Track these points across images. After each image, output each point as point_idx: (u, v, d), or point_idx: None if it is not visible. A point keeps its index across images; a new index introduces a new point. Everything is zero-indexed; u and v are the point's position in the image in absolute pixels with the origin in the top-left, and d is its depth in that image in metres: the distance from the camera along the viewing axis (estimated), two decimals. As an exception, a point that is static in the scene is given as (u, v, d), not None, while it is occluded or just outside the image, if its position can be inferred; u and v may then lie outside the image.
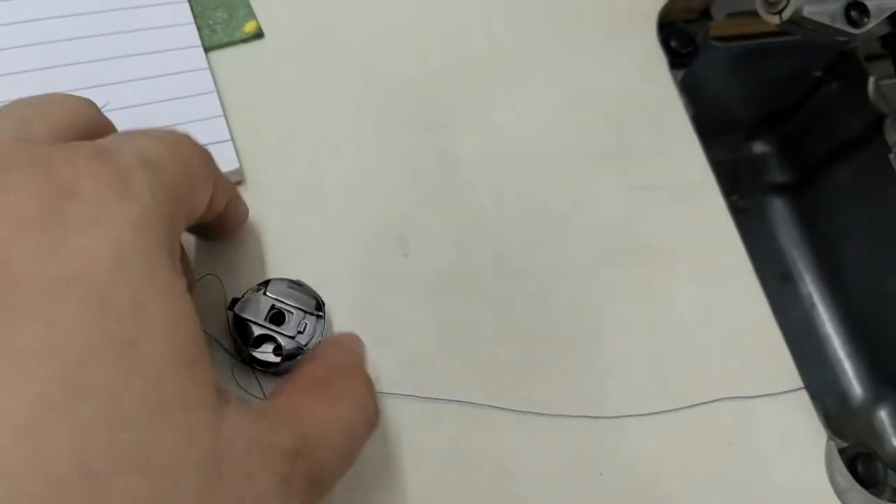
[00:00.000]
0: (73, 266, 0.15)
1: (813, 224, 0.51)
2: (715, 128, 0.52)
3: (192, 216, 0.22)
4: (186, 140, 0.21)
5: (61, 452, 0.14)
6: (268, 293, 0.28)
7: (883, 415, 0.46)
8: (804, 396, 0.33)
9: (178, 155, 0.20)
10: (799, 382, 0.34)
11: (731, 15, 0.43)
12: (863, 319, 0.48)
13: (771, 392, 0.33)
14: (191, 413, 0.16)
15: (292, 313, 0.28)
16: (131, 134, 0.20)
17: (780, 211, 0.52)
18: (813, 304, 0.49)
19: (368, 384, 0.24)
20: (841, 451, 0.34)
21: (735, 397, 0.33)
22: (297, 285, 0.28)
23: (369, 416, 0.23)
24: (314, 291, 0.28)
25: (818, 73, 0.48)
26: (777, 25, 0.37)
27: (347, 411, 0.23)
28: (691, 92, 0.42)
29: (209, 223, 0.25)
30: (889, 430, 0.46)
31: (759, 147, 0.52)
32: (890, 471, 0.35)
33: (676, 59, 0.40)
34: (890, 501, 0.33)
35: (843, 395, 0.48)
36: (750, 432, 0.32)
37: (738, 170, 0.52)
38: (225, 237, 0.29)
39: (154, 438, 0.15)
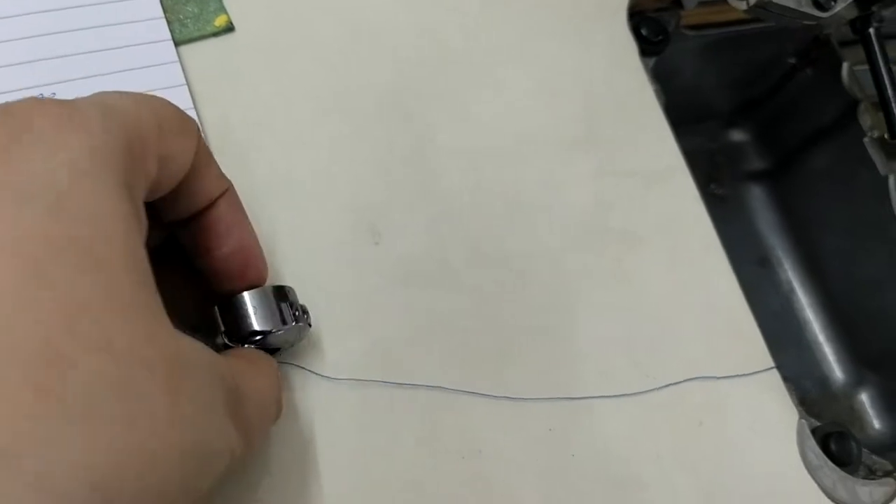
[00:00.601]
0: (32, 180, 0.17)
1: (791, 210, 0.51)
2: (692, 116, 0.52)
3: (169, 171, 0.22)
4: (161, 99, 0.22)
5: (28, 335, 0.15)
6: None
7: (864, 397, 0.47)
8: (775, 376, 0.34)
9: (147, 105, 0.21)
10: (770, 362, 0.34)
11: (702, 3, 0.43)
12: (841, 303, 0.49)
13: (742, 373, 0.33)
14: (148, 316, 0.17)
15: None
16: (102, 92, 0.21)
17: (758, 198, 0.52)
18: (792, 290, 0.50)
19: (279, 376, 0.26)
20: (814, 430, 0.34)
21: (706, 377, 0.33)
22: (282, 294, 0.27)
23: (279, 401, 0.25)
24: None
25: (792, 60, 0.48)
26: (744, 11, 0.37)
27: (268, 387, 0.24)
28: (665, 80, 0.42)
29: (215, 267, 0.25)
30: (870, 412, 0.46)
31: (736, 135, 0.53)
32: (864, 449, 0.35)
33: (647, 47, 0.40)
34: (864, 479, 0.33)
35: (823, 379, 0.48)
36: (721, 413, 0.33)
37: (717, 158, 0.52)
38: (233, 283, 0.26)
39: (115, 329, 0.16)
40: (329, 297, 0.31)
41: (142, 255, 0.18)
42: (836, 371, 0.48)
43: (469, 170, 0.35)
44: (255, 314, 0.25)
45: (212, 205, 0.25)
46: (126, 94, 0.21)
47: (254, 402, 0.22)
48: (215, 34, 0.34)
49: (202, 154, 0.24)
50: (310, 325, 0.28)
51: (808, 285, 0.50)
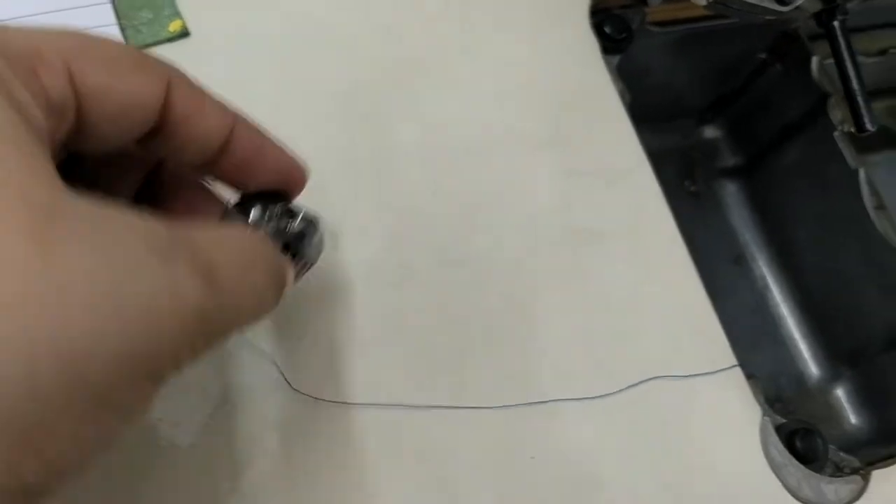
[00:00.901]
0: None
1: (765, 206, 0.51)
2: (665, 113, 0.52)
3: (110, 107, 0.20)
4: (103, 38, 0.20)
5: None
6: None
7: (840, 393, 0.46)
8: (738, 374, 0.33)
9: (63, 35, 0.19)
10: (733, 360, 0.34)
11: (667, 0, 0.43)
12: (816, 299, 0.48)
13: (704, 371, 0.33)
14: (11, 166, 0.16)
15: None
16: None
17: (732, 194, 0.52)
18: (767, 286, 0.49)
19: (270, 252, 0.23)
20: (779, 428, 0.34)
21: (668, 377, 0.33)
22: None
23: (270, 273, 0.22)
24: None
25: (762, 55, 0.48)
26: (705, 7, 0.37)
27: (249, 250, 0.21)
28: (635, 78, 0.42)
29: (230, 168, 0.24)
30: (846, 407, 0.46)
31: (709, 131, 0.52)
32: (832, 446, 0.35)
33: (610, 45, 0.40)
34: (830, 476, 0.33)
35: (799, 376, 0.48)
36: (684, 412, 0.32)
37: (690, 155, 0.52)
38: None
39: None
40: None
41: (15, 121, 0.17)
42: (812, 367, 0.48)
43: (429, 170, 0.35)
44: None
45: (229, 141, 0.24)
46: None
47: (227, 261, 0.19)
48: (170, 39, 0.34)
49: (188, 95, 0.22)
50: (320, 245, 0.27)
51: (783, 281, 0.49)
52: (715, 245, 0.53)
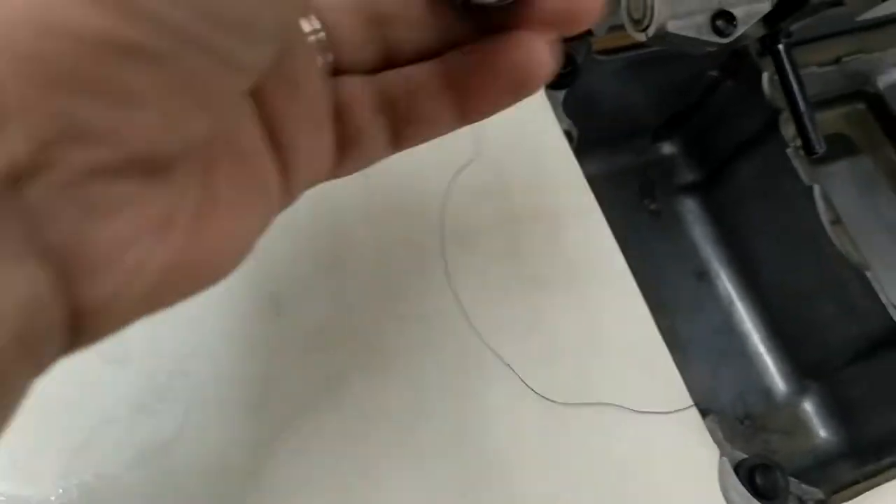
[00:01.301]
0: None
1: (724, 221, 0.51)
2: (621, 134, 0.51)
3: None
4: None
5: None
6: None
7: (807, 406, 0.47)
8: (694, 414, 0.34)
9: None
10: (688, 401, 0.34)
11: (613, 28, 0.43)
12: (780, 314, 0.49)
13: (661, 410, 0.33)
14: None
15: None
16: None
17: (692, 211, 0.52)
18: (731, 302, 0.50)
19: None
20: (738, 466, 0.34)
21: (624, 408, 0.33)
22: None
23: None
24: None
25: (714, 73, 0.48)
26: (645, 41, 0.37)
27: None
28: (586, 104, 0.42)
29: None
30: (814, 420, 0.46)
31: (666, 149, 0.52)
32: (792, 479, 0.35)
33: (555, 80, 0.40)
34: (790, 511, 0.33)
35: (766, 391, 0.48)
36: (642, 453, 0.32)
37: (648, 173, 0.52)
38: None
39: None
40: (231, 375, 0.30)
41: None
42: (779, 382, 0.48)
43: (372, 226, 0.35)
44: None
45: None
46: None
47: None
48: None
49: None
50: None
51: (747, 297, 0.49)
52: (677, 262, 0.53)
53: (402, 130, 0.23)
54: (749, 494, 0.33)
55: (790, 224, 0.46)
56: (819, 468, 0.44)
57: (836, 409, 0.47)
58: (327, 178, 0.23)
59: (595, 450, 0.32)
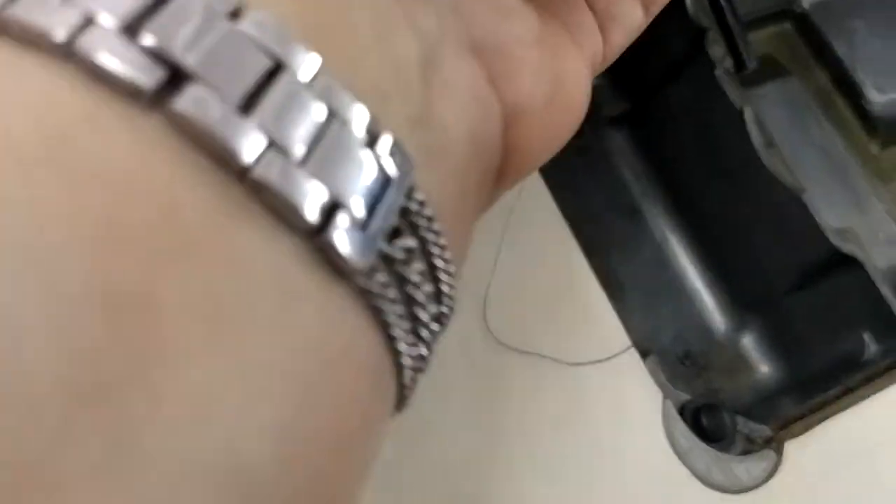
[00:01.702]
0: None
1: (655, 154, 0.49)
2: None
3: None
4: None
5: None
6: None
7: (748, 341, 0.45)
8: (634, 356, 0.31)
9: None
10: (627, 343, 0.31)
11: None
12: (716, 247, 0.47)
13: (598, 358, 0.30)
14: None
15: None
16: None
17: (620, 145, 0.49)
18: (665, 238, 0.47)
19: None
20: (682, 408, 0.31)
21: (559, 361, 0.30)
22: None
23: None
24: None
25: (635, -7, 0.45)
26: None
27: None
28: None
29: None
30: (755, 355, 0.44)
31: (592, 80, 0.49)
32: (739, 417, 0.33)
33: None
34: (740, 455, 0.31)
35: (705, 328, 0.46)
36: (581, 403, 0.30)
37: (572, 107, 0.49)
38: None
39: None
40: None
41: None
42: (718, 318, 0.46)
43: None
44: None
45: None
46: None
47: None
48: None
49: None
50: None
51: (681, 232, 0.47)
52: (608, 200, 0.51)
53: None
54: (696, 437, 0.30)
55: (722, 151, 0.44)
56: (765, 404, 0.42)
57: (778, 342, 0.45)
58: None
59: (529, 404, 0.29)
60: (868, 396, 0.35)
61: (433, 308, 0.13)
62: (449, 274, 0.13)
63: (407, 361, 0.13)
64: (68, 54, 0.10)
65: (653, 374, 0.31)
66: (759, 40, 0.51)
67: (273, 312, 0.11)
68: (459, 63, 0.15)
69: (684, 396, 0.31)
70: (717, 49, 0.43)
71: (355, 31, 0.13)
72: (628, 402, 0.30)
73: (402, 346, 0.13)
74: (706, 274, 0.47)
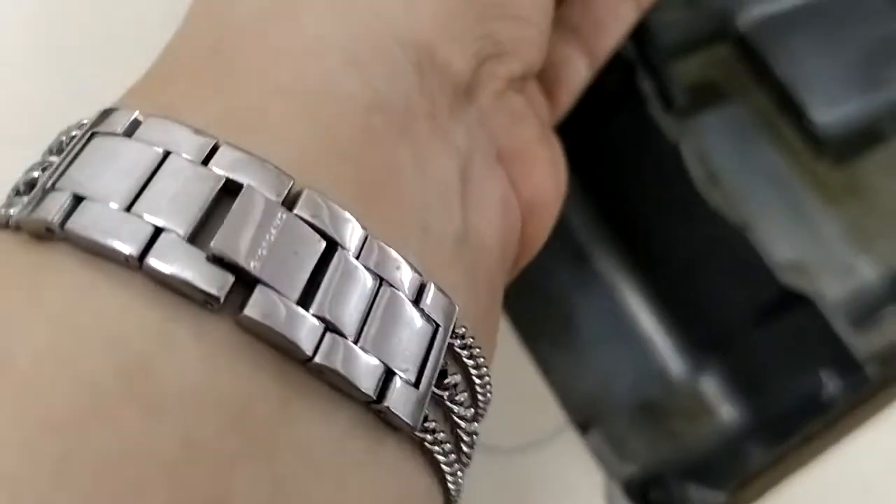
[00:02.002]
0: None
1: (598, 194, 0.47)
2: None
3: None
4: None
5: None
6: None
7: (706, 384, 0.43)
8: (572, 435, 0.29)
9: None
10: (561, 420, 0.29)
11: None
12: (668, 289, 0.45)
13: (534, 439, 0.29)
14: None
15: None
16: None
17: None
18: (614, 283, 0.45)
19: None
20: (628, 484, 0.29)
21: (492, 446, 0.28)
22: None
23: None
24: None
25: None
26: None
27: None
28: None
29: None
30: (714, 399, 0.43)
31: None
32: (692, 485, 0.31)
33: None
34: (693, 527, 0.29)
35: (661, 373, 0.44)
36: (516, 496, 0.28)
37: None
38: None
39: None
40: None
41: None
42: (674, 362, 0.44)
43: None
44: None
45: None
46: None
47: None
48: None
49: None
50: None
51: (630, 275, 0.45)
52: (553, 244, 0.49)
53: None
54: (644, 517, 0.28)
55: (664, 188, 0.42)
56: (725, 452, 0.40)
57: (737, 384, 0.43)
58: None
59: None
60: (831, 444, 0.33)
61: (474, 425, 0.14)
62: (487, 387, 0.14)
63: (454, 485, 0.15)
64: (137, 266, 0.11)
65: (596, 449, 0.29)
66: (695, 66, 0.50)
67: (332, 491, 0.12)
68: (490, 173, 0.16)
69: (630, 468, 0.29)
70: (646, 84, 0.41)
71: (400, 174, 0.14)
72: (569, 486, 0.28)
73: (450, 477, 0.14)
74: (659, 316, 0.45)
